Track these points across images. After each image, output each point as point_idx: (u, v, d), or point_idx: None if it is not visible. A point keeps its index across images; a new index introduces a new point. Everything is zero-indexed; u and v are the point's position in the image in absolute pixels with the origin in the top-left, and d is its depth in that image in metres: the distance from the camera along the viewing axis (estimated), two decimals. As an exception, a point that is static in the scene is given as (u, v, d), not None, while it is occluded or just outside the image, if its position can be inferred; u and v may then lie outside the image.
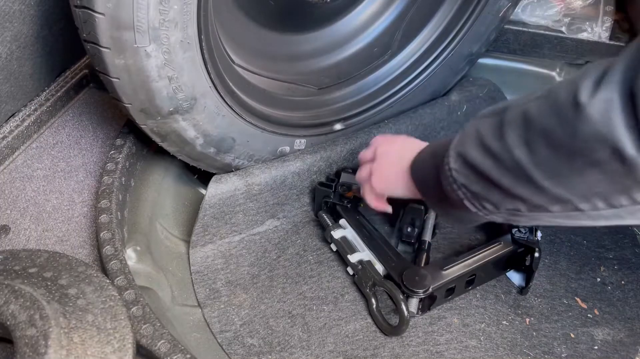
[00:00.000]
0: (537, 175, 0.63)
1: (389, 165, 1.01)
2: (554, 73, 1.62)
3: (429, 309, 1.11)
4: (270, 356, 1.04)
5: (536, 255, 1.13)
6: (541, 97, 0.64)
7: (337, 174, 1.28)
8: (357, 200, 1.27)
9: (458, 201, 0.78)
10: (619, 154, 0.54)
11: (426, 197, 0.92)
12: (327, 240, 1.25)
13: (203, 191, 1.31)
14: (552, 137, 0.60)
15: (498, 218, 0.77)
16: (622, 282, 1.21)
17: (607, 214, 0.62)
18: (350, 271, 1.18)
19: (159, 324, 0.88)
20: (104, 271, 0.97)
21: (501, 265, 1.18)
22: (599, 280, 1.21)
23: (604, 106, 0.53)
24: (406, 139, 1.03)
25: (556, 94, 0.60)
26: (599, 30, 1.52)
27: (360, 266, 1.14)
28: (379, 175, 1.03)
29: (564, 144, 0.59)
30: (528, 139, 0.63)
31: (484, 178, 0.70)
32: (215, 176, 1.23)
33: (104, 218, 1.04)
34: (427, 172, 0.88)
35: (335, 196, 1.26)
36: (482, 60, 1.58)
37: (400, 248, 1.22)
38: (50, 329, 0.72)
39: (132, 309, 0.89)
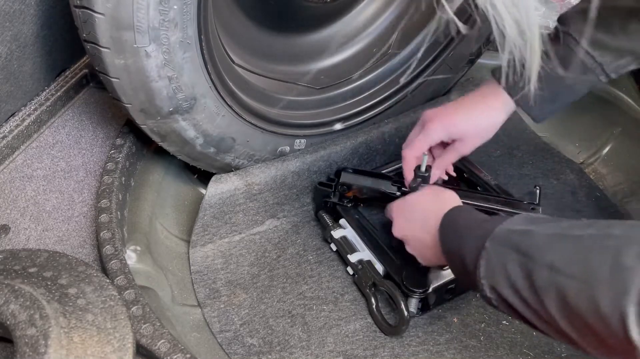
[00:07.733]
0: (579, 341, 0.63)
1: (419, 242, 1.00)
2: (554, 73, 1.61)
3: (429, 309, 1.11)
4: (270, 356, 1.04)
5: None
6: (576, 279, 0.61)
7: (337, 174, 1.28)
8: (357, 200, 1.27)
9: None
10: None
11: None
12: (327, 239, 1.25)
13: (203, 191, 1.31)
14: (600, 336, 0.59)
15: None
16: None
17: None
18: (350, 271, 1.18)
19: (158, 324, 0.88)
20: (104, 270, 0.97)
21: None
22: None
23: None
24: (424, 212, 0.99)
25: (596, 296, 0.58)
26: (599, 30, 1.52)
27: (360, 266, 1.14)
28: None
29: (613, 347, 0.58)
30: (570, 318, 0.62)
31: (522, 317, 0.71)
32: (215, 176, 1.23)
33: (104, 217, 1.04)
34: (459, 268, 0.84)
35: (335, 196, 1.26)
36: (482, 60, 1.58)
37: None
38: (50, 329, 0.72)
39: (132, 309, 0.89)
